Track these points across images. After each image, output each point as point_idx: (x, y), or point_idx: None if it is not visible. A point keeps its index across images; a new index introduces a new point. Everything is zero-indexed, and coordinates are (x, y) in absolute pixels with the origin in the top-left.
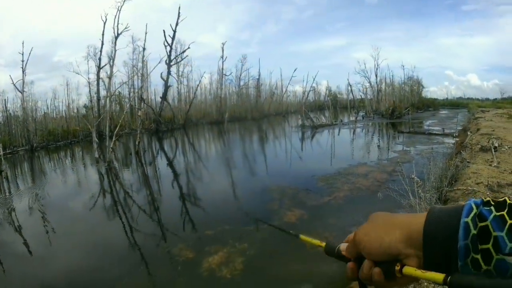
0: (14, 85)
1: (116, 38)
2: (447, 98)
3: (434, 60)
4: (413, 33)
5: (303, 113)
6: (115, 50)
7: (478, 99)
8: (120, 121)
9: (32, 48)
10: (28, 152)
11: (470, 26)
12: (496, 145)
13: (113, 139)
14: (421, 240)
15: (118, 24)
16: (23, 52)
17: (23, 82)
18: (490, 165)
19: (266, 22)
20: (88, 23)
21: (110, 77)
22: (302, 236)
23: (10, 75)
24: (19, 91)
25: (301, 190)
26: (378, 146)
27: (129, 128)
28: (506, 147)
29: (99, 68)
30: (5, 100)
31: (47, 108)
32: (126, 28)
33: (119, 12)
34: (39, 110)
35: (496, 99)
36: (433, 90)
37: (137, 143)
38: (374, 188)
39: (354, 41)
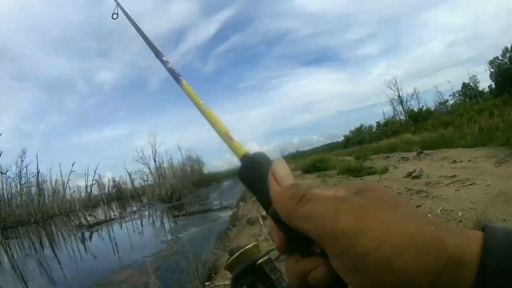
0: None
1: None
2: (230, 169)
3: (214, 137)
4: (190, 115)
5: (79, 213)
6: None
7: None
8: None
9: None
10: None
11: (247, 101)
12: (264, 213)
13: None
14: (471, 277)
15: None
16: None
17: None
18: (257, 239)
19: (50, 112)
20: None
21: None
22: None
23: None
24: None
25: None
26: (146, 239)
27: None
28: None
29: None
30: None
31: None
32: None
33: None
34: None
35: None
36: (217, 164)
37: None
38: None
39: (135, 129)
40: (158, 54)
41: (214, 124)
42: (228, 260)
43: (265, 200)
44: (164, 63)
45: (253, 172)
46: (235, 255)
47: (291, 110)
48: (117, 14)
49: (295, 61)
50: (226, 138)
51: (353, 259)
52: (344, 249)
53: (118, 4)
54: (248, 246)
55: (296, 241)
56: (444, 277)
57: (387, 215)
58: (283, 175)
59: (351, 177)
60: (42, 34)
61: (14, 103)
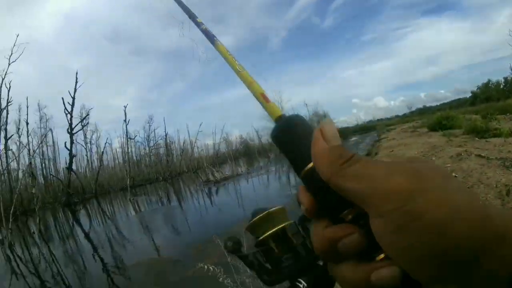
0: None
1: (1, 112)
2: (357, 124)
3: (339, 92)
4: (315, 72)
5: (206, 169)
6: (6, 125)
7: (387, 118)
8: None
9: None
10: None
11: (370, 54)
12: None
13: (10, 219)
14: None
15: (6, 98)
16: None
17: None
18: None
19: (173, 80)
20: None
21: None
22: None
23: None
24: None
25: None
26: (272, 192)
27: (42, 202)
28: None
29: (5, 139)
30: None
31: None
32: (9, 103)
33: (4, 86)
34: None
35: (404, 114)
36: (343, 120)
37: (37, 221)
38: None
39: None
40: (191, 16)
41: (249, 85)
42: (250, 220)
43: (297, 162)
44: (198, 24)
45: (286, 133)
46: (258, 217)
47: (415, 63)
48: None
49: (415, 11)
50: (262, 99)
51: (404, 218)
52: (395, 207)
53: None
54: (273, 209)
55: (328, 205)
56: (489, 252)
57: (443, 182)
58: (330, 135)
59: (476, 138)
60: (153, 10)
61: (138, 76)
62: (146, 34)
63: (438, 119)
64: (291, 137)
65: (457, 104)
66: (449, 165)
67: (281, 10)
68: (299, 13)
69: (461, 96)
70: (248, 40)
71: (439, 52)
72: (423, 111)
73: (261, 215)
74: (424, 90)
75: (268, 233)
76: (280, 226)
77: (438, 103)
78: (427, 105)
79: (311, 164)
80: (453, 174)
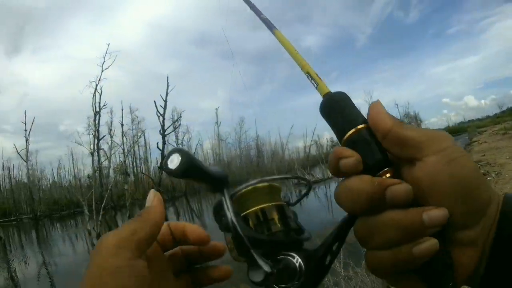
0: (19, 153)
1: (95, 115)
2: (448, 126)
3: (428, 91)
4: (402, 70)
5: (297, 172)
6: (96, 127)
7: (478, 119)
8: (123, 191)
9: (35, 118)
10: (32, 220)
11: (457, 49)
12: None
13: (101, 211)
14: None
15: (98, 102)
16: (25, 122)
17: (27, 151)
18: None
19: (263, 82)
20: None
21: (111, 149)
22: None
23: (14, 144)
24: (24, 160)
25: None
26: None
27: (132, 198)
28: (494, 174)
29: (97, 139)
30: (9, 167)
31: (54, 177)
32: (104, 105)
33: (97, 92)
34: (45, 179)
35: (496, 114)
36: (433, 121)
37: (127, 215)
38: None
39: (349, 88)
40: (251, 6)
41: (303, 67)
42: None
43: (339, 128)
44: (259, 13)
45: (331, 105)
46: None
47: (505, 56)
48: None
49: None
50: (317, 78)
51: (455, 153)
52: (448, 145)
53: None
54: (264, 184)
55: (373, 162)
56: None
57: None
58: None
59: None
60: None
61: (227, 79)
62: (234, 37)
63: None
64: (334, 108)
65: None
66: None
67: (364, 5)
68: (383, 8)
69: None
70: (334, 39)
71: None
72: None
73: (264, 184)
74: None
75: (272, 203)
76: (281, 203)
77: None
78: None
79: (360, 126)
80: None
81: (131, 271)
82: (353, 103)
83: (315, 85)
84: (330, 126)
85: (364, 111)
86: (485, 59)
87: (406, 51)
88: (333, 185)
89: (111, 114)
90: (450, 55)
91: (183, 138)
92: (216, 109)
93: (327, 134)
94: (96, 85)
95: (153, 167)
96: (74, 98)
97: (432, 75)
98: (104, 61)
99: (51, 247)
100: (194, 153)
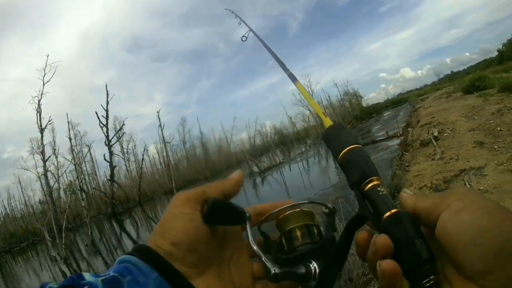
0: None
1: (42, 132)
2: (388, 99)
3: (365, 68)
4: (338, 51)
5: (249, 162)
6: (43, 145)
7: (417, 89)
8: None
9: None
10: None
11: (390, 25)
12: (436, 134)
13: (63, 234)
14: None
15: (40, 119)
16: None
17: None
18: (434, 159)
19: (199, 80)
20: (27, 114)
21: (58, 168)
22: None
23: None
24: None
25: None
26: (322, 174)
27: (87, 216)
28: (448, 131)
29: (44, 161)
30: None
31: (5, 208)
32: (49, 122)
33: (39, 107)
34: None
35: (433, 82)
36: (373, 96)
37: (89, 233)
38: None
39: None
40: (283, 66)
41: (314, 106)
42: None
43: (335, 148)
44: (285, 69)
45: (333, 135)
46: (291, 211)
47: (437, 28)
48: (246, 37)
49: None
50: (322, 115)
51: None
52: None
53: (251, 30)
54: (306, 209)
55: None
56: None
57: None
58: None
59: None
60: (166, 15)
61: (163, 81)
62: (164, 39)
63: (470, 81)
64: (334, 137)
65: (485, 65)
66: (492, 121)
67: None
68: None
69: (487, 57)
70: (267, 28)
71: (459, 12)
72: (451, 77)
73: (295, 210)
74: (449, 54)
75: (298, 224)
76: (312, 222)
77: (465, 67)
78: (455, 70)
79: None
80: (498, 128)
81: (193, 218)
82: (348, 130)
83: (323, 120)
84: (329, 148)
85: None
86: (419, 32)
87: (339, 32)
88: (285, 169)
89: (53, 132)
90: (383, 32)
91: (127, 147)
92: (157, 112)
93: (269, 123)
94: (39, 100)
95: (103, 182)
96: (14, 121)
97: (367, 52)
98: (45, 74)
99: (19, 284)
100: (142, 159)
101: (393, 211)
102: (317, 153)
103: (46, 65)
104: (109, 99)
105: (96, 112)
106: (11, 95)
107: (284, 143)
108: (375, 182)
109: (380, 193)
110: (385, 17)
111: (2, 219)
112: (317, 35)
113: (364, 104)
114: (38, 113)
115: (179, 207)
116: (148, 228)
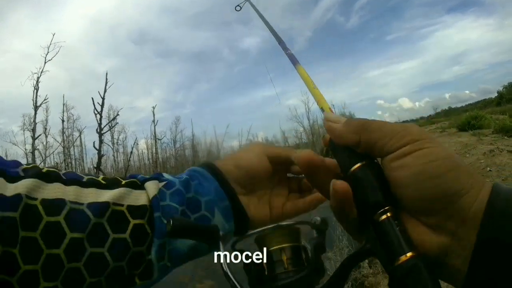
0: None
1: (36, 110)
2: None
3: (364, 93)
4: (339, 72)
5: None
6: (35, 123)
7: (413, 120)
8: None
9: None
10: None
11: (395, 54)
12: None
13: None
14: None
15: (36, 96)
16: None
17: None
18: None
19: (199, 81)
20: (23, 89)
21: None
22: None
23: None
24: None
25: None
26: None
27: None
28: None
29: (33, 139)
30: None
31: None
32: (45, 100)
33: (37, 84)
34: None
35: (430, 115)
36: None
37: None
38: None
39: (285, 89)
40: (280, 42)
41: (319, 100)
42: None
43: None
44: (285, 48)
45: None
46: (272, 226)
47: (441, 62)
48: (241, 7)
49: (440, 8)
50: (329, 111)
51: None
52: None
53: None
54: (291, 225)
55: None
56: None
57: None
58: (335, 117)
59: (505, 137)
60: (178, 12)
61: (163, 77)
62: (171, 35)
63: (467, 119)
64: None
65: (483, 104)
66: (482, 161)
67: (305, 9)
68: (324, 13)
69: (486, 97)
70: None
71: (464, 50)
72: (448, 113)
73: (279, 226)
74: (448, 90)
75: (283, 245)
76: (298, 244)
77: (464, 104)
78: (452, 106)
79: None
80: (488, 169)
81: (260, 155)
82: None
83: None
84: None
85: (301, 110)
86: (423, 64)
87: (343, 54)
88: None
89: (47, 111)
90: (387, 60)
91: (118, 137)
92: (153, 107)
93: (261, 133)
94: (38, 77)
95: (88, 168)
96: (10, 94)
97: (368, 78)
98: (48, 52)
99: None
100: (131, 152)
101: (408, 255)
102: None
103: (50, 43)
104: (107, 87)
105: (92, 98)
106: (12, 67)
107: None
108: (391, 213)
109: (397, 227)
110: (391, 45)
111: None
112: (321, 53)
113: None
114: (35, 90)
115: (253, 146)
116: None
